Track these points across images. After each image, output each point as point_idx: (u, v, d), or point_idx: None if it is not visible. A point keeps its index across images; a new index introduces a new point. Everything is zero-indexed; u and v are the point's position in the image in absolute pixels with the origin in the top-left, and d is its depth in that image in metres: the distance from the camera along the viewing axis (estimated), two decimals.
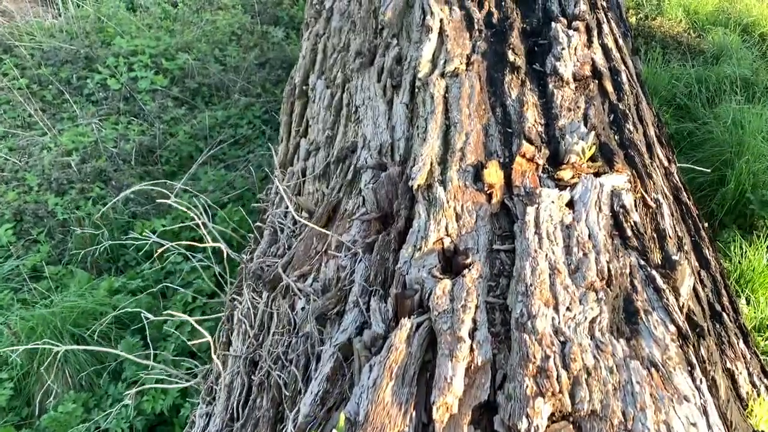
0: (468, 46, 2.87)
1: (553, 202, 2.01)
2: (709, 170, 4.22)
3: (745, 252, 3.74)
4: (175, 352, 3.45)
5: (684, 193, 3.02)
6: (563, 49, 2.77)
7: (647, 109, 3.04)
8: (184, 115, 5.24)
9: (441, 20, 2.95)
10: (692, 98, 5.34)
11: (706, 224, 3.12)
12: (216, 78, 5.60)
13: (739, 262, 3.74)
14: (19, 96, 5.28)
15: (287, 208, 2.57)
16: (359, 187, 2.45)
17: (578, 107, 2.51)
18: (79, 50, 5.66)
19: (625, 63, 3.04)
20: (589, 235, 1.92)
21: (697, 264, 2.61)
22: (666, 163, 3.13)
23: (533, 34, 3.09)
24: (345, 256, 2.11)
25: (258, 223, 2.92)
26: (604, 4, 3.50)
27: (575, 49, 2.80)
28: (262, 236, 2.78)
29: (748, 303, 3.57)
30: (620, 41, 3.24)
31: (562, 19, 3.06)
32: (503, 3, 3.25)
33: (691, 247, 2.73)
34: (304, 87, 3.34)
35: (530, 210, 1.97)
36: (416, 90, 2.71)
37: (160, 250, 3.35)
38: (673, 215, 2.34)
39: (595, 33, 3.03)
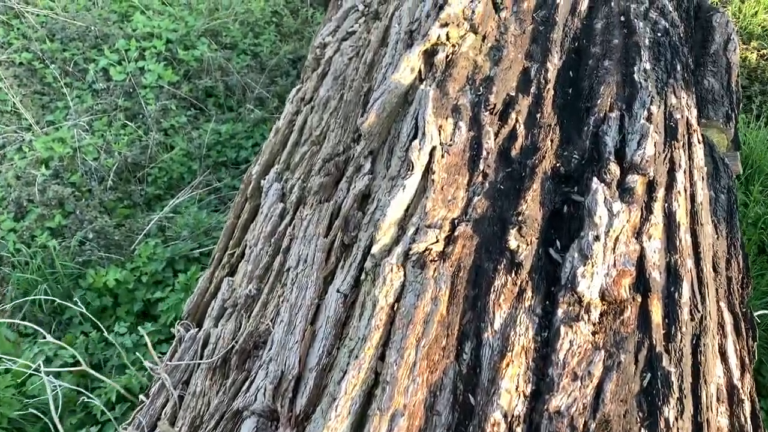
0: (459, 203, 1.90)
1: None
2: None
3: None
4: None
5: None
6: (596, 238, 1.77)
7: (720, 325, 2.02)
8: (187, 123, 4.44)
9: (433, 150, 1.98)
10: None
11: None
12: (235, 77, 4.74)
13: None
14: (15, 74, 4.60)
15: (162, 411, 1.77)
16: None
17: (591, 374, 1.55)
18: (90, 26, 4.89)
19: (697, 246, 2.00)
20: None
21: None
22: (739, 392, 2.12)
23: (568, 179, 2.08)
24: None
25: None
26: (691, 117, 2.41)
27: (616, 240, 1.79)
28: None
29: None
30: (702, 192, 2.18)
31: (612, 166, 2.01)
32: (539, 117, 2.22)
33: None
34: (262, 182, 2.46)
35: None
36: (365, 274, 1.80)
37: None
38: None
39: (660, 194, 1.98)
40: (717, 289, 2.24)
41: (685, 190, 2.09)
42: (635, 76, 2.37)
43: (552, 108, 2.27)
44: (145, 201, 4.03)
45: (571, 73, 2.48)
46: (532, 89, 2.32)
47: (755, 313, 2.70)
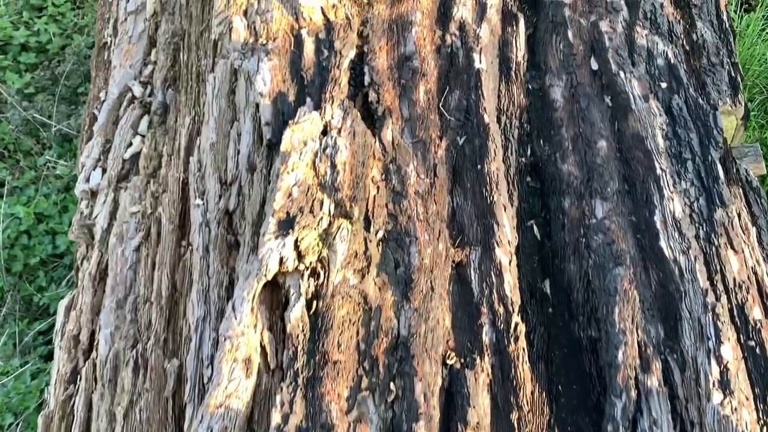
0: None
1: None
2: None
3: None
4: None
5: None
6: None
7: None
8: None
9: None
10: None
11: None
12: (18, 111, 3.24)
13: None
14: None
15: None
16: None
17: None
18: None
19: None
20: None
21: None
22: None
23: None
24: None
25: None
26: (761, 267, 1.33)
27: None
28: None
29: None
30: None
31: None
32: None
33: None
34: None
35: None
36: None
37: None
38: None
39: None
40: None
41: None
42: (662, 244, 1.22)
43: (532, 385, 1.15)
44: None
45: (538, 234, 1.31)
46: (486, 338, 1.17)
47: None
